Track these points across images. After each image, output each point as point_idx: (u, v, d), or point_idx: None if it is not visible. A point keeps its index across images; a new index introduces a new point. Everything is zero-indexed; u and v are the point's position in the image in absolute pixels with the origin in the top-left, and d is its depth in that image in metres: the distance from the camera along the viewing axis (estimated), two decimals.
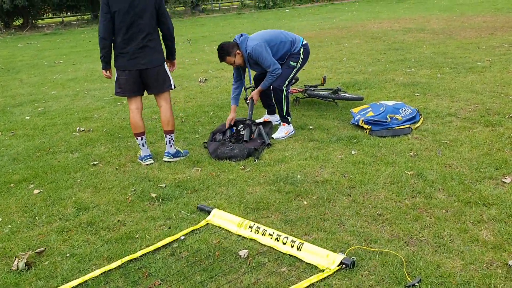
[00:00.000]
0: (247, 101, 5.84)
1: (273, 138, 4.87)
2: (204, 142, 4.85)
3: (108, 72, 4.23)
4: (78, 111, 6.75)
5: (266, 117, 5.49)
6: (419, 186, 3.53)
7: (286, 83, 4.82)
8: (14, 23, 29.34)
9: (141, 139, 4.36)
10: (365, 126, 4.84)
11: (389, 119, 4.84)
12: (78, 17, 32.55)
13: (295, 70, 4.85)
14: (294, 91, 6.19)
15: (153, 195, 3.70)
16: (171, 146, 4.40)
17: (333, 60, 9.17)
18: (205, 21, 23.68)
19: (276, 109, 5.15)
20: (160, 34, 4.20)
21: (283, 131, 4.94)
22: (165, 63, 4.25)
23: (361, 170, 3.88)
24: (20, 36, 22.96)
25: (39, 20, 31.39)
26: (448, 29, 12.02)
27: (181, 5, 31.58)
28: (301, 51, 4.85)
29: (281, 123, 5.01)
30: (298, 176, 3.85)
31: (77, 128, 5.70)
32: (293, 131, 5.00)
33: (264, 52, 4.58)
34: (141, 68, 4.08)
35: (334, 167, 3.99)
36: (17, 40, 20.36)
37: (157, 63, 4.15)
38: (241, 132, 4.86)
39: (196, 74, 8.98)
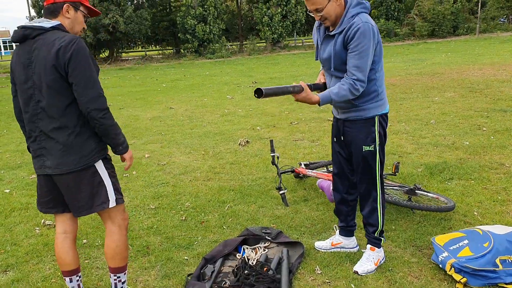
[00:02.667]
0: (281, 192, 4.05)
1: (361, 274, 2.98)
2: (188, 275, 3.07)
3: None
4: None
5: (336, 239, 3.36)
6: None
7: (377, 172, 2.99)
8: (101, 55, 30.15)
9: (71, 281, 2.68)
10: (457, 277, 2.80)
11: (500, 266, 2.78)
12: (160, 51, 32.82)
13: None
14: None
15: None
16: None
17: (417, 122, 7.07)
18: (282, 59, 22.31)
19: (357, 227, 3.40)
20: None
21: (371, 260, 3.05)
22: (96, 166, 2.47)
23: None
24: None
25: (123, 54, 32.10)
26: None
27: (262, 41, 30.70)
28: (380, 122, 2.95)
29: (369, 246, 3.11)
30: None
31: None
32: (384, 258, 3.13)
33: (370, 41, 2.68)
34: (47, 173, 2.43)
35: None
36: None
37: (68, 167, 2.39)
38: (249, 264, 3.04)
39: (241, 132, 7.32)
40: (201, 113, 9.18)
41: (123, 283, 2.69)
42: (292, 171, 4.49)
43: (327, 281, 2.93)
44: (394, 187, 4.02)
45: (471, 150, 5.45)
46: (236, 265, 3.06)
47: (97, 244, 3.63)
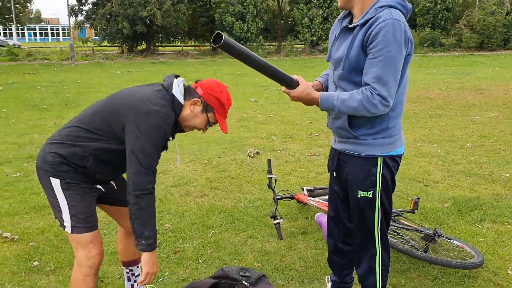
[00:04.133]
0: (275, 222, 3.44)
1: None
2: None
3: None
4: None
5: None
6: None
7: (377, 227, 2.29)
8: (138, 48, 30.15)
9: None
10: None
11: None
12: (196, 47, 32.59)
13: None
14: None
15: None
16: None
17: (451, 145, 6.26)
18: (318, 62, 21.54)
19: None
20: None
21: None
22: (51, 180, 2.12)
23: None
24: (132, 62, 22.94)
25: (160, 47, 32.01)
26: None
27: (301, 42, 29.95)
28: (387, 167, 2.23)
29: None
30: None
31: None
32: None
33: (401, 45, 1.97)
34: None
35: None
36: (122, 67, 20.08)
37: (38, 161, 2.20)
38: None
39: (254, 140, 6.70)
40: None
41: None
42: (291, 198, 3.84)
43: None
44: (409, 229, 3.31)
45: (511, 185, 4.64)
46: None
47: (47, 269, 3.10)
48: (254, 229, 3.69)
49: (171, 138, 2.19)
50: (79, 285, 2.14)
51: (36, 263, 3.16)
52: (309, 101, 2.13)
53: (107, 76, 16.18)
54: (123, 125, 2.03)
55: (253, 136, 6.96)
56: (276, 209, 3.64)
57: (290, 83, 2.11)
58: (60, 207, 2.10)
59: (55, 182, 2.09)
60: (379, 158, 2.16)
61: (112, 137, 2.08)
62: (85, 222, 2.10)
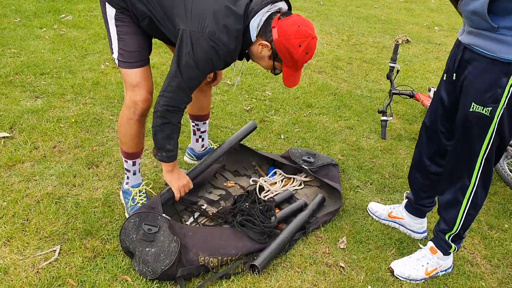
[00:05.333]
0: (383, 119, 2.99)
1: (397, 276, 1.94)
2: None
3: None
4: None
5: (398, 211, 2.22)
6: None
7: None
8: None
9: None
10: None
11: None
12: None
13: None
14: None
15: None
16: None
17: None
18: None
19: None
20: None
21: (424, 264, 1.95)
22: (109, 12, 1.90)
23: None
24: None
25: None
26: None
27: None
28: None
29: (431, 245, 1.99)
30: None
31: None
32: (447, 271, 1.99)
33: None
34: None
35: None
36: None
37: None
38: (254, 198, 2.20)
39: (412, 27, 5.78)
40: None
41: (127, 173, 2.16)
42: (411, 96, 3.20)
43: (341, 265, 1.96)
44: None
45: None
46: (240, 194, 2.24)
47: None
48: (358, 120, 3.23)
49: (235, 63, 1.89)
50: (122, 125, 2.04)
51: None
52: None
53: None
54: (179, 28, 1.71)
55: (413, 22, 6.02)
56: (388, 104, 3.09)
57: None
58: (111, 38, 1.93)
59: (110, 12, 1.90)
60: None
61: (171, 24, 1.78)
62: (130, 57, 1.91)
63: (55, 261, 1.81)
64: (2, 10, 4.54)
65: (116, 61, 1.95)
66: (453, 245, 1.90)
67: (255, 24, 1.73)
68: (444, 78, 1.84)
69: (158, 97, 1.82)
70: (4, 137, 2.57)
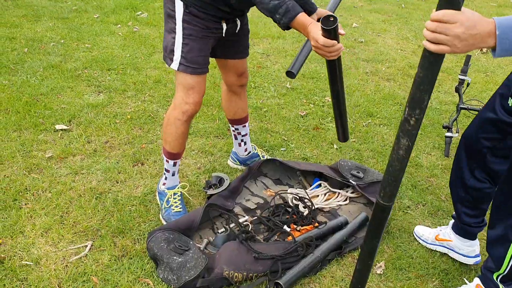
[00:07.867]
0: (447, 135, 2.77)
1: None
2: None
3: None
4: None
5: (445, 233, 2.02)
6: None
7: None
8: None
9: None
10: None
11: None
12: None
13: None
14: None
15: None
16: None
17: None
18: None
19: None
20: None
21: None
22: (178, 7, 1.86)
23: None
24: None
25: None
26: None
27: None
28: None
29: (477, 282, 1.76)
30: None
31: None
32: None
33: None
34: None
35: None
36: None
37: None
38: (288, 208, 2.12)
39: None
40: None
41: (166, 173, 2.17)
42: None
43: None
44: None
45: None
46: (278, 204, 2.16)
47: None
48: (421, 133, 3.01)
49: None
50: (169, 125, 2.04)
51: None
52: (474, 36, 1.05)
53: None
54: None
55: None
56: (455, 119, 2.84)
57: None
58: (175, 40, 1.87)
59: (179, 6, 1.83)
60: None
61: None
62: (194, 63, 1.89)
63: (84, 256, 1.86)
64: (85, 5, 4.81)
65: (176, 66, 1.91)
66: (502, 286, 1.68)
67: None
68: (498, 98, 1.64)
69: None
70: (62, 130, 2.69)
